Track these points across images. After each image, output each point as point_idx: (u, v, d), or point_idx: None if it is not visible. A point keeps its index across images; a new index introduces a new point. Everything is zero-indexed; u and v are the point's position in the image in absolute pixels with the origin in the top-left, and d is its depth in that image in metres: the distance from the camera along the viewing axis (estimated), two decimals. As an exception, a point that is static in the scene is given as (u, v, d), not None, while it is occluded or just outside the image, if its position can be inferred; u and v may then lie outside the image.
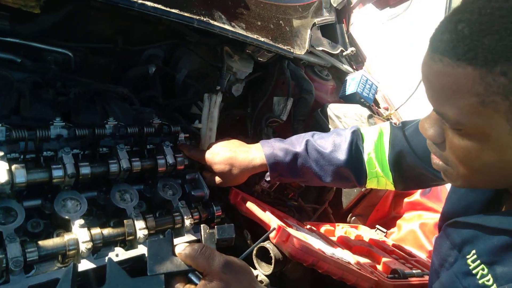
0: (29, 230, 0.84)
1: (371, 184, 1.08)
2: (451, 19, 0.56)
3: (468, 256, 0.70)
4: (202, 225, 0.76)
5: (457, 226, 0.75)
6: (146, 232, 0.89)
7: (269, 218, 1.00)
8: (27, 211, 0.86)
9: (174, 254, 0.70)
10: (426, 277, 1.11)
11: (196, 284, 0.67)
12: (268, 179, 1.27)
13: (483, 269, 0.66)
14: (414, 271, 1.10)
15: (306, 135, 1.09)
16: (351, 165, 1.04)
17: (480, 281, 0.66)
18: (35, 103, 1.02)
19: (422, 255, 1.33)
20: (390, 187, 1.07)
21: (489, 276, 0.65)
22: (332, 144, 1.05)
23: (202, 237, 0.75)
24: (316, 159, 1.05)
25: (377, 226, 1.47)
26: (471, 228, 0.71)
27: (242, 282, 0.68)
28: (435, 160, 0.69)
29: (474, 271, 0.67)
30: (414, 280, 1.06)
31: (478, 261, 0.67)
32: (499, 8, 0.52)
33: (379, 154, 1.04)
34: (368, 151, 1.04)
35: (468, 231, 0.72)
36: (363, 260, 1.12)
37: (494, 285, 0.63)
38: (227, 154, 1.08)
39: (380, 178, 1.05)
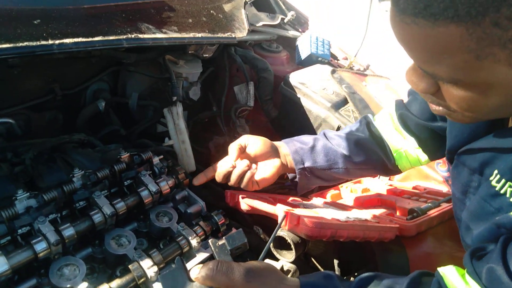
0: (35, 315, 0.78)
1: (400, 160, 1.03)
2: None
3: (491, 178, 0.66)
4: (210, 240, 0.71)
5: (471, 152, 0.72)
6: (155, 268, 0.84)
7: (273, 208, 0.95)
8: (25, 296, 0.80)
9: (191, 280, 0.64)
10: (444, 205, 1.09)
11: None
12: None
13: (510, 186, 0.63)
14: (429, 204, 1.09)
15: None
16: (375, 142, 1.03)
17: (511, 199, 0.63)
18: (-9, 184, 0.94)
19: (431, 184, 1.32)
20: (422, 157, 1.02)
21: None
22: (348, 127, 1.07)
23: (214, 252, 0.70)
24: (336, 138, 1.03)
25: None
26: (485, 151, 0.68)
27: (270, 284, 0.64)
28: (434, 107, 0.64)
29: (502, 191, 0.64)
30: (433, 212, 1.04)
31: (504, 180, 0.64)
32: None
33: (394, 129, 1.03)
34: (379, 125, 1.05)
35: (484, 154, 0.69)
36: (379, 211, 1.09)
37: None
38: None
39: (406, 150, 1.02)
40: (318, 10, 4.57)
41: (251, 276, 0.63)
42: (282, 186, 1.39)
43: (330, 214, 0.98)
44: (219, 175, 1.00)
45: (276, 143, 1.05)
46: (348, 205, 1.16)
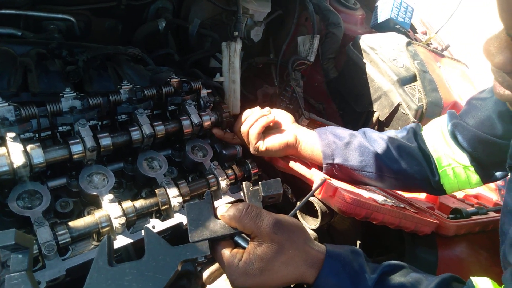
0: (59, 211, 0.80)
1: (447, 180, 0.89)
2: None
3: None
4: (244, 183, 0.67)
5: None
6: (180, 199, 0.83)
7: (310, 173, 0.90)
8: (54, 191, 0.82)
9: (216, 217, 0.62)
10: (492, 214, 1.00)
11: (244, 248, 0.61)
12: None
13: None
14: (475, 209, 1.00)
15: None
16: (421, 154, 0.90)
17: None
18: (42, 76, 0.94)
19: (480, 190, 1.21)
20: (474, 178, 0.89)
21: None
22: (393, 131, 0.95)
23: (246, 195, 0.66)
24: (376, 140, 0.91)
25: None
26: None
27: (297, 242, 0.61)
28: (502, 91, 0.56)
29: None
30: (477, 218, 0.96)
31: None
32: None
33: (444, 142, 0.91)
34: (428, 137, 0.93)
35: None
36: (419, 202, 1.02)
37: None
38: None
39: (455, 168, 0.89)
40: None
41: (279, 228, 0.60)
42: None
43: (367, 192, 0.92)
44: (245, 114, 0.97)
45: (298, 129, 0.95)
46: (388, 190, 1.09)
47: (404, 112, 1.28)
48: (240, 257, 0.58)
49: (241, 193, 0.87)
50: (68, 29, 1.17)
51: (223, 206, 0.62)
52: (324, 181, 0.79)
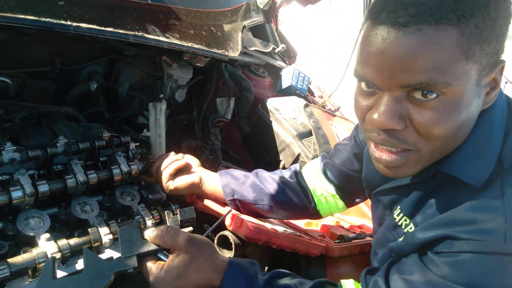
0: (-5, 253, 0.88)
1: (321, 206, 1.15)
2: None
3: (394, 212, 0.85)
4: (166, 211, 0.85)
5: (383, 193, 0.90)
6: (111, 236, 0.96)
7: (224, 210, 1.10)
8: (-11, 235, 0.90)
9: (143, 238, 0.78)
10: (368, 238, 1.27)
11: (165, 261, 0.76)
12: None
13: (405, 220, 0.81)
14: (356, 235, 1.26)
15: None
16: (298, 186, 1.16)
17: (405, 230, 0.81)
18: (-20, 132, 1.04)
19: (365, 222, 1.50)
20: (340, 203, 1.15)
21: (411, 224, 0.80)
22: (279, 171, 1.21)
23: (167, 221, 0.84)
24: (265, 178, 1.15)
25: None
26: (394, 192, 0.86)
27: (205, 253, 0.78)
28: (391, 158, 0.66)
29: (399, 223, 0.82)
30: (357, 242, 1.21)
31: (402, 214, 0.82)
32: None
33: (317, 177, 1.17)
34: (306, 173, 1.19)
35: (393, 195, 0.86)
36: (313, 232, 1.25)
37: (416, 229, 0.77)
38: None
39: (327, 197, 1.15)
40: (309, 47, 4.85)
41: (191, 242, 0.77)
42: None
43: (271, 226, 1.14)
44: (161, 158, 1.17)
45: (203, 171, 1.18)
46: (291, 222, 1.32)
47: (303, 160, 1.56)
48: (161, 267, 0.74)
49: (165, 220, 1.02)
50: (2, 89, 1.27)
51: (150, 229, 0.79)
52: (229, 211, 0.99)
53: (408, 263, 0.75)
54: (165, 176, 1.12)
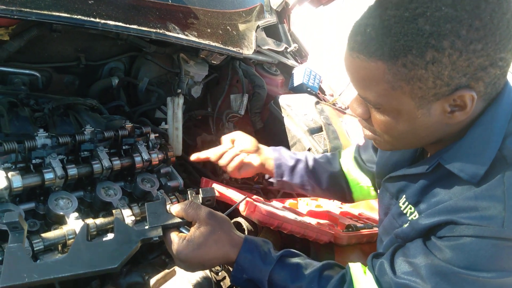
0: (28, 229, 0.95)
1: (356, 193, 1.25)
2: (361, 23, 0.69)
3: (400, 200, 0.90)
4: (189, 190, 0.91)
5: (391, 181, 0.95)
6: (133, 218, 1.03)
7: (238, 197, 1.16)
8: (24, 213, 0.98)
9: (168, 212, 0.85)
10: (375, 228, 1.32)
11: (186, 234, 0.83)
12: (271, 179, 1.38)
13: (410, 208, 0.86)
14: (364, 225, 1.31)
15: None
16: (341, 176, 1.25)
17: (409, 217, 0.86)
18: (14, 120, 1.13)
19: (372, 214, 1.54)
20: (373, 193, 1.23)
21: (415, 212, 0.85)
22: (325, 157, 1.29)
23: (190, 197, 0.90)
24: (313, 165, 1.24)
25: (334, 197, 1.67)
26: (401, 180, 0.91)
27: (224, 227, 0.85)
28: (366, 132, 0.84)
29: (404, 211, 0.88)
30: (365, 232, 1.26)
31: (407, 203, 0.87)
32: (393, 15, 0.64)
33: (350, 161, 1.25)
34: (344, 163, 1.26)
35: (400, 182, 0.91)
36: (323, 221, 1.31)
37: (420, 216, 0.81)
38: None
39: (362, 186, 1.23)
40: (320, 47, 4.90)
41: (212, 216, 0.84)
42: (250, 187, 1.59)
43: (283, 213, 1.20)
44: (215, 154, 1.23)
45: (262, 146, 1.26)
46: (301, 212, 1.37)
47: (314, 155, 1.62)
48: (184, 237, 0.81)
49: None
50: (32, 82, 1.36)
51: (175, 205, 0.86)
52: (244, 198, 1.05)
53: (412, 247, 0.80)
54: (231, 169, 1.20)
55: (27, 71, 1.32)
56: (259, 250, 0.84)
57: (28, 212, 0.99)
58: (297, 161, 1.24)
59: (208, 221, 0.82)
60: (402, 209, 0.88)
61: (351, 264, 0.89)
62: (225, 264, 0.84)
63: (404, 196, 0.88)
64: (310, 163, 1.25)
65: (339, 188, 1.25)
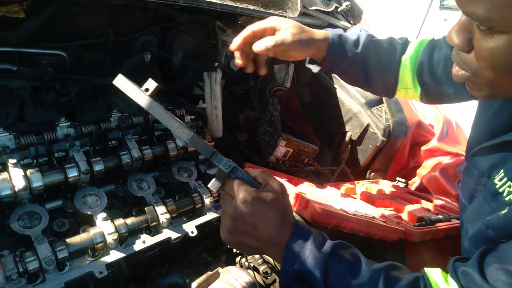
0: (56, 230, 0.86)
1: (400, 94, 1.07)
2: None
3: (495, 177, 0.69)
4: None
5: (483, 153, 0.74)
6: (168, 216, 0.90)
7: (287, 188, 1.00)
8: (51, 212, 0.89)
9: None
10: (454, 221, 1.10)
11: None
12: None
13: (509, 186, 0.65)
14: (440, 217, 1.10)
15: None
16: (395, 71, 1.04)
17: (506, 198, 0.65)
18: (38, 108, 1.02)
19: (447, 201, 1.32)
20: (417, 99, 1.06)
21: None
22: (387, 53, 1.04)
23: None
24: (369, 65, 1.02)
25: (398, 178, 1.46)
26: (498, 151, 0.71)
27: (285, 202, 0.73)
28: (458, 73, 0.67)
29: (500, 189, 0.67)
30: (441, 225, 1.06)
31: (505, 179, 0.66)
32: None
33: (413, 63, 1.02)
34: (405, 58, 1.03)
35: (496, 155, 0.71)
36: (388, 212, 1.11)
37: None
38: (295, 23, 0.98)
39: (409, 89, 1.05)
40: (376, 6, 4.45)
41: (281, 187, 0.72)
42: (300, 170, 1.42)
43: (340, 204, 1.02)
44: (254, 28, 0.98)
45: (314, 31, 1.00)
46: (360, 200, 1.19)
47: (373, 131, 1.40)
48: (251, 191, 0.69)
49: None
50: (59, 63, 1.26)
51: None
52: (295, 196, 0.88)
53: (510, 250, 0.61)
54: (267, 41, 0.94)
55: (52, 51, 1.21)
56: (312, 235, 0.70)
57: (56, 210, 0.90)
58: (354, 53, 1.01)
59: (276, 189, 0.72)
60: (497, 187, 0.67)
61: (428, 269, 0.70)
62: (270, 248, 0.71)
63: (501, 171, 0.68)
64: (369, 52, 1.03)
65: (385, 84, 1.06)
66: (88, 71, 1.34)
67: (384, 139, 1.39)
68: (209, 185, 0.73)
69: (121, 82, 0.78)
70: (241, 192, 0.69)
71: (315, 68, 1.08)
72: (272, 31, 0.97)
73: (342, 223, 0.88)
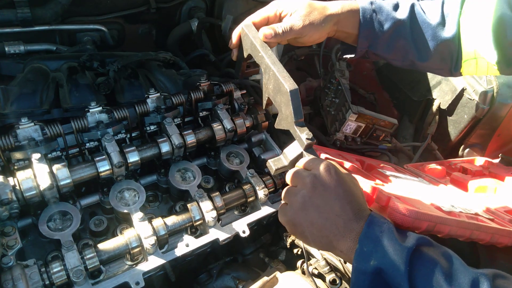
0: (93, 230, 0.77)
1: (468, 68, 0.81)
2: None
3: None
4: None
5: None
6: (214, 213, 0.76)
7: (360, 179, 0.79)
8: (89, 208, 0.80)
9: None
10: None
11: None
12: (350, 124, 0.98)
13: None
14: None
15: None
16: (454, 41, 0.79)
17: None
18: (73, 91, 0.93)
19: None
20: (493, 71, 0.79)
21: None
22: (440, 14, 0.79)
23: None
24: (418, 32, 0.79)
25: (501, 155, 1.16)
26: None
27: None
28: None
29: None
30: None
31: None
32: None
33: (479, 24, 0.76)
34: (465, 19, 0.77)
35: None
36: (494, 205, 0.86)
37: None
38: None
39: (479, 59, 0.78)
40: None
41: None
42: (375, 149, 1.20)
43: (429, 197, 0.79)
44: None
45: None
46: (454, 187, 0.94)
47: (470, 97, 1.11)
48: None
49: None
50: (101, 39, 1.16)
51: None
52: (371, 190, 0.68)
53: None
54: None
55: (91, 26, 1.11)
56: (390, 226, 0.58)
57: (94, 206, 0.81)
58: (395, 24, 0.79)
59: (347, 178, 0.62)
60: None
61: None
62: (341, 236, 0.57)
63: None
64: (416, 28, 0.80)
65: (443, 62, 0.83)
66: (132, 46, 1.24)
67: (485, 106, 1.09)
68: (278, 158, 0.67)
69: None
70: (322, 163, 0.62)
71: (349, 54, 0.86)
72: (277, 19, 0.78)
73: (436, 226, 0.66)
